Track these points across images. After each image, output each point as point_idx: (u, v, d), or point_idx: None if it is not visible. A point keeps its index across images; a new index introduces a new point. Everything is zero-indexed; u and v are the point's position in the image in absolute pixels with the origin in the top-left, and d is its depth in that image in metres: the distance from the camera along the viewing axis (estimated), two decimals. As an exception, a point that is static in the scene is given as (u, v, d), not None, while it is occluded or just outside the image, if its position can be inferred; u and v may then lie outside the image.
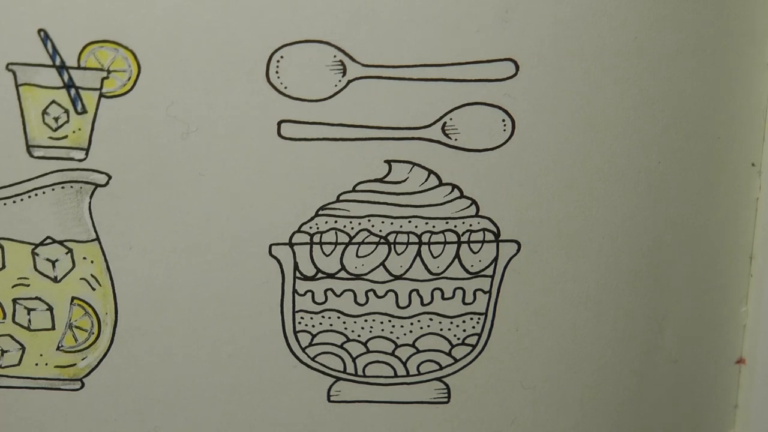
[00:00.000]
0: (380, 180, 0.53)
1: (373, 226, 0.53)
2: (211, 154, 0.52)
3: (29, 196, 0.52)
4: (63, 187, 0.52)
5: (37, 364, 0.54)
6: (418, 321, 0.55)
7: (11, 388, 0.55)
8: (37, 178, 0.52)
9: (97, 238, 0.53)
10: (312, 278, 0.54)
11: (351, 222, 0.53)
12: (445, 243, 0.54)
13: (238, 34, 0.50)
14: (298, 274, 0.54)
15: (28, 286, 0.53)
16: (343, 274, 0.54)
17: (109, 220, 0.52)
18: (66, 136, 0.51)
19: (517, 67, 0.51)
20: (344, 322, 0.55)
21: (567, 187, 0.53)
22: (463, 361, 0.56)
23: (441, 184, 0.53)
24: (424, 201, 0.53)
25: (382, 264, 0.54)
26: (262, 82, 0.51)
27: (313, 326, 0.55)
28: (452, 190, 0.53)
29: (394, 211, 0.53)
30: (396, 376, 0.56)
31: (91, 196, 0.52)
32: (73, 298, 0.54)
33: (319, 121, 0.52)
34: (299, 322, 0.54)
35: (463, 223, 0.53)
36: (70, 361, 0.55)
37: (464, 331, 0.55)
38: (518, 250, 0.54)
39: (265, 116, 0.51)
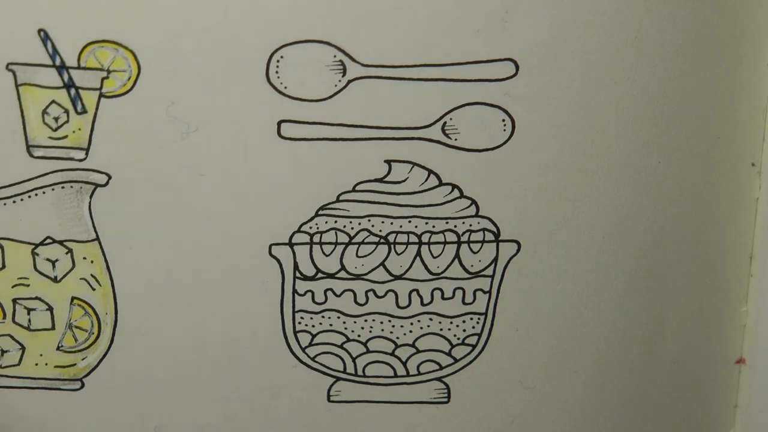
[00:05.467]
0: (380, 180, 0.53)
1: (373, 226, 0.53)
2: (211, 154, 0.52)
3: (29, 196, 0.52)
4: (63, 187, 0.52)
5: (37, 364, 0.54)
6: (418, 321, 0.55)
7: (11, 388, 0.55)
8: (37, 178, 0.52)
9: (97, 238, 0.53)
10: (312, 278, 0.54)
11: (351, 222, 0.53)
12: (445, 243, 0.54)
13: (238, 34, 0.50)
14: (298, 274, 0.54)
15: (28, 286, 0.53)
16: (343, 274, 0.54)
17: (109, 220, 0.52)
18: (66, 136, 0.51)
19: (517, 67, 0.51)
20: (344, 322, 0.55)
21: (567, 187, 0.53)
22: (463, 361, 0.56)
23: (441, 184, 0.53)
24: (424, 201, 0.53)
25: (382, 264, 0.54)
26: (262, 82, 0.51)
27: (313, 326, 0.55)
28: (452, 190, 0.53)
29: (394, 211, 0.53)
30: (396, 376, 0.56)
31: (91, 196, 0.52)
32: (73, 298, 0.54)
33: (319, 121, 0.52)
34: (299, 322, 0.54)
35: (463, 223, 0.53)
36: (70, 361, 0.55)
37: (464, 331, 0.55)
38: (518, 250, 0.54)
39: (265, 116, 0.51)
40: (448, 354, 0.55)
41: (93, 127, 0.51)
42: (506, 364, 0.56)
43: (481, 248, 0.54)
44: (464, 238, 0.54)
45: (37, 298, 0.54)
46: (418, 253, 0.54)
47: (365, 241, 0.53)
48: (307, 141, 0.52)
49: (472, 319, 0.55)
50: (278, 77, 0.51)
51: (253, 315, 0.54)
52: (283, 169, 0.52)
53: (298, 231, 0.53)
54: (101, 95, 0.51)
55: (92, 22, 0.50)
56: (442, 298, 0.54)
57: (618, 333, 0.56)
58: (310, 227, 0.53)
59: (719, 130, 0.55)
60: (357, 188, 0.53)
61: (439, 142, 0.52)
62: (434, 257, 0.54)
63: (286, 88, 0.51)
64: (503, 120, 0.52)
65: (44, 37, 0.50)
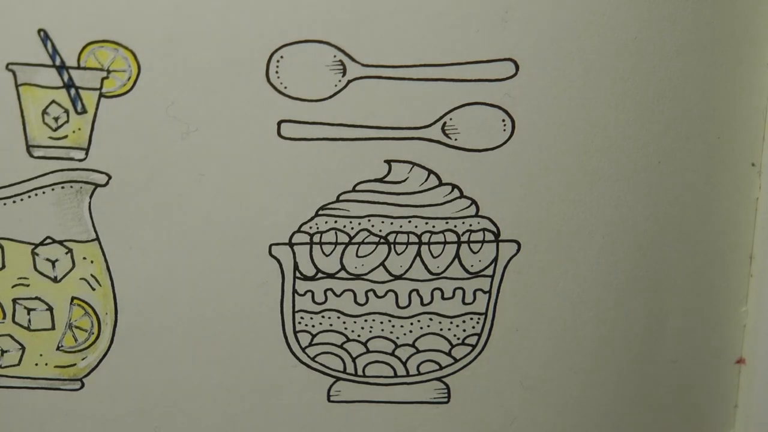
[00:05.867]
0: (380, 180, 0.53)
1: (373, 226, 0.53)
2: (211, 154, 0.52)
3: (29, 196, 0.52)
4: (63, 187, 0.52)
5: (37, 364, 0.54)
6: (418, 321, 0.55)
7: (11, 388, 0.55)
8: (37, 178, 0.52)
9: (97, 238, 0.53)
10: (312, 278, 0.54)
11: (351, 222, 0.53)
12: (445, 243, 0.54)
13: (238, 34, 0.50)
14: (298, 274, 0.54)
15: (28, 286, 0.53)
16: (343, 274, 0.54)
17: (109, 220, 0.52)
18: (66, 136, 0.51)
19: (517, 67, 0.51)
20: (344, 322, 0.55)
21: (567, 187, 0.53)
22: (463, 361, 0.56)
23: (441, 184, 0.53)
24: (424, 201, 0.53)
25: (382, 264, 0.54)
26: (262, 82, 0.51)
27: (313, 326, 0.55)
28: (452, 190, 0.53)
29: (394, 211, 0.53)
30: (396, 376, 0.56)
31: (91, 196, 0.52)
32: (73, 298, 0.54)
33: (319, 121, 0.52)
34: (299, 322, 0.54)
35: (463, 223, 0.53)
36: (70, 361, 0.55)
37: (464, 331, 0.55)
38: (518, 250, 0.54)
39: (265, 116, 0.51)
40: (448, 354, 0.55)
41: (93, 127, 0.51)
42: (506, 364, 0.56)
43: (481, 248, 0.54)
44: (464, 238, 0.54)
45: (37, 298, 0.54)
46: (418, 253, 0.54)
47: (365, 241, 0.53)
48: (307, 141, 0.52)
49: (472, 319, 0.55)
50: (278, 77, 0.51)
51: (253, 315, 0.54)
52: (283, 169, 0.52)
53: (298, 231, 0.53)
54: (101, 95, 0.51)
55: (92, 22, 0.50)
56: (442, 298, 0.54)
57: (618, 333, 0.56)
58: (310, 227, 0.53)
59: (719, 130, 0.55)
60: (357, 188, 0.53)
61: (439, 142, 0.52)
62: (434, 257, 0.54)
63: (286, 88, 0.51)
64: (503, 120, 0.52)
65: (44, 37, 0.50)
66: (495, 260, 0.54)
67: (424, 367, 0.56)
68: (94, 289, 0.54)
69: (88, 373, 0.55)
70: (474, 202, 0.53)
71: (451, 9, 0.50)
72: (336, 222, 0.53)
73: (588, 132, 0.53)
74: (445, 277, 0.54)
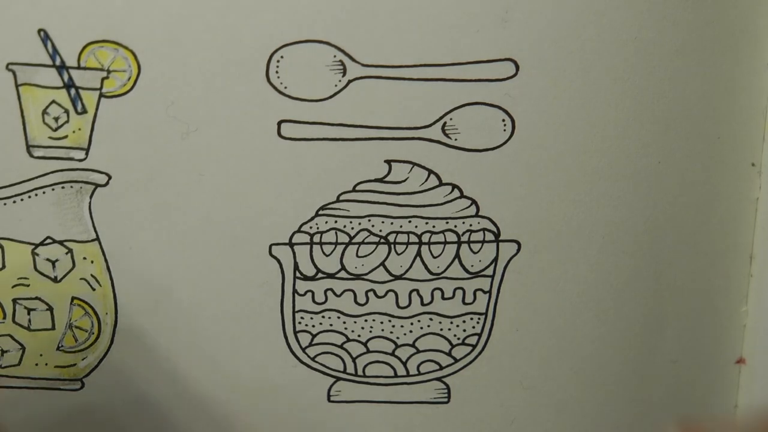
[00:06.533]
0: (380, 180, 0.53)
1: (373, 226, 0.53)
2: (211, 154, 0.52)
3: (29, 196, 0.52)
4: (63, 187, 0.52)
5: (37, 364, 0.54)
6: (418, 321, 0.55)
7: (11, 388, 0.55)
8: (37, 178, 0.52)
9: (97, 238, 0.53)
10: (312, 278, 0.54)
11: (351, 222, 0.53)
12: (445, 243, 0.54)
13: (238, 34, 0.50)
14: (298, 274, 0.54)
15: (28, 286, 0.53)
16: (343, 274, 0.54)
17: (109, 220, 0.52)
18: (66, 136, 0.51)
19: (517, 67, 0.51)
20: (344, 322, 0.55)
21: (567, 187, 0.53)
22: (463, 361, 0.56)
23: (441, 184, 0.53)
24: (424, 201, 0.53)
25: (382, 264, 0.54)
26: (262, 82, 0.51)
27: (313, 326, 0.55)
28: (452, 190, 0.53)
29: (394, 211, 0.53)
30: (396, 376, 0.56)
31: (91, 196, 0.52)
32: (73, 298, 0.54)
33: (319, 121, 0.52)
34: (299, 322, 0.54)
35: (463, 223, 0.53)
36: (70, 361, 0.55)
37: (464, 331, 0.55)
38: (518, 250, 0.54)
39: (265, 116, 0.51)
40: (448, 354, 0.55)
41: (93, 127, 0.51)
42: (506, 364, 0.56)
43: (481, 248, 0.54)
44: (464, 238, 0.54)
45: (37, 298, 0.54)
46: (418, 253, 0.54)
47: (365, 241, 0.53)
48: (307, 141, 0.52)
49: (472, 319, 0.55)
50: (278, 77, 0.51)
51: (253, 315, 0.54)
52: (283, 169, 0.52)
53: (298, 231, 0.53)
54: (101, 95, 0.51)
55: (92, 22, 0.50)
56: (442, 298, 0.54)
57: (618, 333, 0.56)
58: (311, 227, 0.53)
59: (719, 130, 0.55)
60: (357, 188, 0.53)
61: (439, 142, 0.52)
62: (434, 257, 0.54)
63: (286, 88, 0.51)
64: (503, 120, 0.52)
65: (44, 37, 0.50)
66: (495, 260, 0.54)
67: (424, 367, 0.56)
68: (94, 289, 0.54)
69: (88, 373, 0.55)
70: (474, 202, 0.53)
71: (451, 9, 0.50)
72: (336, 222, 0.53)
73: (588, 132, 0.53)
74: (445, 277, 0.54)
